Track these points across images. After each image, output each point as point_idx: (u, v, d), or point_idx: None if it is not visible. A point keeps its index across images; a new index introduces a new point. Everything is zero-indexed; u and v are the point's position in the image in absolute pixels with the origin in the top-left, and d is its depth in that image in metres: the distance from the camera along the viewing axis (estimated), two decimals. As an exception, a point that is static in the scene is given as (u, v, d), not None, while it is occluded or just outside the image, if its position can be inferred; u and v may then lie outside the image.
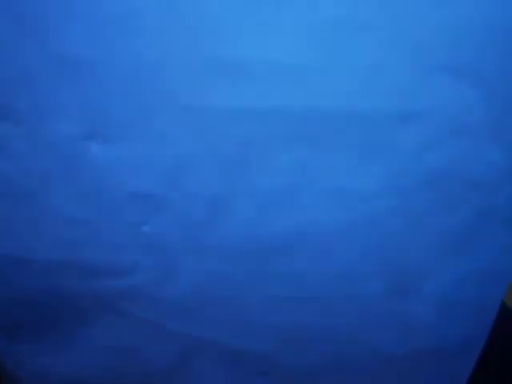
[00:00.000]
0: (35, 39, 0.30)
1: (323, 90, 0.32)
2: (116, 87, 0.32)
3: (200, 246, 0.37)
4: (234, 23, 0.29)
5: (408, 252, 0.39)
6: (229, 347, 0.43)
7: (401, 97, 0.32)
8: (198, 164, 0.34)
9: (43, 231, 0.37)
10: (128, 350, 0.42)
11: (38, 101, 0.32)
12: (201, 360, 0.44)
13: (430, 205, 0.37)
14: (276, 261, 0.38)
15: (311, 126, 0.33)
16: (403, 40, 0.31)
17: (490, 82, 0.32)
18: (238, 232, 0.36)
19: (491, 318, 0.45)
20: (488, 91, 0.33)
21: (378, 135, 0.34)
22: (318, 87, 0.32)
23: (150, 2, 0.29)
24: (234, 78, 0.31)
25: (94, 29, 0.30)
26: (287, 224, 0.36)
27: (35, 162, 0.34)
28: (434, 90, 0.32)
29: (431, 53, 0.31)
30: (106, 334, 0.41)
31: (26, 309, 0.41)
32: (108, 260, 0.37)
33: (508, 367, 0.57)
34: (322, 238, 0.37)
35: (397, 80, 0.32)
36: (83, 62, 0.31)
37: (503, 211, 0.39)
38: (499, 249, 0.41)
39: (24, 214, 0.36)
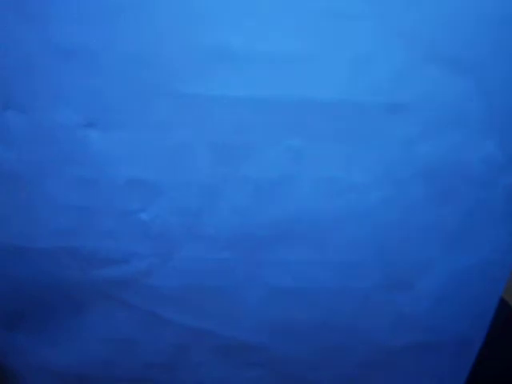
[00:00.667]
0: (36, 28, 0.31)
1: (315, 79, 0.32)
2: (114, 75, 0.32)
3: (197, 234, 0.37)
4: (229, 12, 0.30)
5: (403, 243, 0.39)
6: (226, 338, 0.43)
7: (393, 86, 0.33)
8: (195, 152, 0.34)
9: (41, 219, 0.37)
10: (125, 340, 0.42)
11: (39, 89, 0.33)
12: (198, 351, 0.44)
13: (425, 196, 0.37)
14: (272, 250, 0.39)
15: (304, 115, 0.34)
16: (394, 29, 0.31)
17: (484, 72, 0.33)
18: (233, 220, 0.37)
19: (489, 313, 0.45)
20: (481, 82, 0.33)
21: (371, 125, 0.34)
22: (310, 77, 0.32)
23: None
24: (229, 66, 0.32)
25: (92, 17, 0.31)
26: (282, 213, 0.37)
27: (35, 150, 0.35)
28: (427, 79, 0.33)
29: (423, 42, 0.31)
30: (103, 324, 0.42)
31: (23, 298, 0.41)
32: (105, 248, 0.38)
33: (508, 366, 0.57)
34: (316, 228, 0.38)
35: (388, 69, 0.32)
36: (82, 50, 0.31)
37: (499, 205, 0.39)
38: (496, 243, 0.41)
39: (22, 201, 0.36)
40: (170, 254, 0.38)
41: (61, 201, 0.36)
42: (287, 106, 0.33)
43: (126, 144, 0.34)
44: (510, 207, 0.39)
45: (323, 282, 0.41)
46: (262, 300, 0.41)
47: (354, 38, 0.31)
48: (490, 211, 0.38)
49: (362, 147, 0.35)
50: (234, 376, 0.45)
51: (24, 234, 0.38)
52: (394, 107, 0.33)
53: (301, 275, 0.40)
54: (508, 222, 0.40)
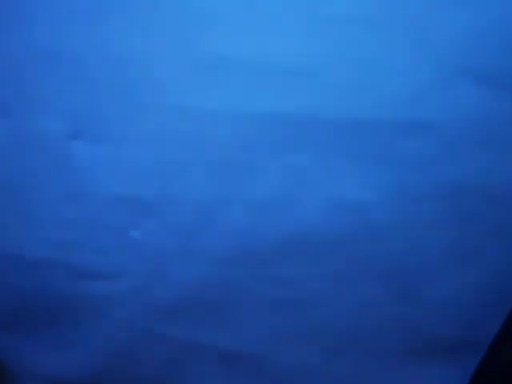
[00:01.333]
0: (22, 32, 0.29)
1: (322, 93, 0.30)
2: (103, 85, 0.30)
3: (188, 252, 0.35)
4: (229, 22, 0.27)
5: (411, 259, 0.37)
6: (218, 350, 0.42)
7: (411, 103, 0.30)
8: (188, 168, 0.32)
9: (31, 229, 0.35)
10: (117, 353, 0.41)
11: (26, 95, 0.31)
12: (190, 363, 0.43)
13: (439, 217, 0.35)
14: (268, 267, 0.37)
15: (311, 132, 0.31)
16: (416, 41, 0.28)
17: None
18: (227, 239, 0.35)
19: (492, 329, 0.44)
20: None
21: (382, 144, 0.31)
22: (317, 90, 0.29)
23: (139, 0, 0.26)
24: (229, 78, 0.29)
25: (83, 25, 0.28)
26: (280, 233, 0.35)
27: (23, 159, 0.33)
28: (451, 97, 0.30)
29: (450, 56, 0.28)
30: (96, 336, 0.40)
31: (18, 306, 0.40)
32: (95, 262, 0.36)
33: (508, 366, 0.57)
34: (319, 246, 0.36)
35: (408, 85, 0.29)
36: (69, 55, 0.29)
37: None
38: (506, 265, 0.39)
39: (12, 210, 0.34)
40: (162, 270, 0.36)
41: (50, 212, 0.35)
42: (291, 121, 0.30)
43: (114, 158, 0.32)
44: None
45: (325, 295, 0.39)
46: (260, 313, 0.40)
47: (367, 49, 0.28)
48: (505, 230, 0.36)
49: (371, 166, 0.32)
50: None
51: (15, 243, 0.36)
52: (411, 125, 0.31)
53: (301, 287, 0.39)
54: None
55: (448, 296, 0.42)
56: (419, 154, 0.32)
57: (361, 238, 0.36)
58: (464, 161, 0.32)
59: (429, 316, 0.43)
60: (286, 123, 0.30)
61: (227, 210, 0.34)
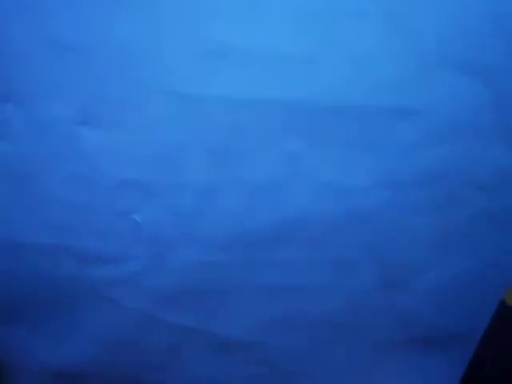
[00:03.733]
0: (35, 22, 0.30)
1: (316, 81, 0.31)
2: (110, 73, 0.31)
3: (190, 236, 0.37)
4: (230, 11, 0.29)
5: (401, 245, 0.38)
6: (217, 337, 0.42)
7: (400, 90, 0.32)
8: (189, 152, 0.34)
9: (34, 214, 0.37)
10: (118, 340, 0.42)
11: (37, 83, 0.32)
12: (191, 350, 0.44)
13: (426, 201, 0.36)
14: (267, 251, 0.38)
15: (305, 117, 0.33)
16: (403, 31, 0.30)
17: (499, 79, 0.32)
18: (229, 223, 0.36)
19: (487, 314, 0.45)
20: (496, 89, 0.32)
21: (374, 129, 0.33)
22: (312, 78, 0.31)
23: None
24: (229, 66, 0.31)
25: (90, 13, 0.30)
26: (277, 215, 0.36)
27: (32, 145, 0.34)
28: (437, 84, 0.31)
29: (436, 46, 0.30)
30: (96, 323, 0.41)
31: (19, 294, 0.41)
32: (98, 247, 0.37)
33: (506, 366, 0.56)
34: (313, 230, 0.37)
35: (396, 73, 0.31)
36: (80, 45, 0.31)
37: (505, 213, 0.38)
38: (497, 250, 0.40)
39: (17, 196, 0.36)
40: (162, 255, 0.37)
41: (54, 197, 0.36)
42: (287, 108, 0.32)
43: (119, 143, 0.33)
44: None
45: (320, 280, 0.40)
46: (258, 299, 0.41)
47: (359, 39, 0.30)
48: (493, 217, 0.37)
49: (362, 151, 0.34)
50: (231, 374, 0.45)
51: (20, 229, 0.37)
52: (400, 112, 0.32)
53: (297, 274, 0.40)
54: (510, 227, 0.39)
55: (437, 283, 0.42)
56: (408, 141, 0.34)
57: (351, 223, 0.37)
58: (450, 147, 0.34)
59: (418, 305, 0.44)
60: (282, 110, 0.32)
61: (224, 194, 0.35)
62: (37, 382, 0.45)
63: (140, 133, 0.33)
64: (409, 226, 0.38)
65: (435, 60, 0.31)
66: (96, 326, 0.41)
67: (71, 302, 0.40)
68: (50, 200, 0.36)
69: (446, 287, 0.42)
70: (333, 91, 0.32)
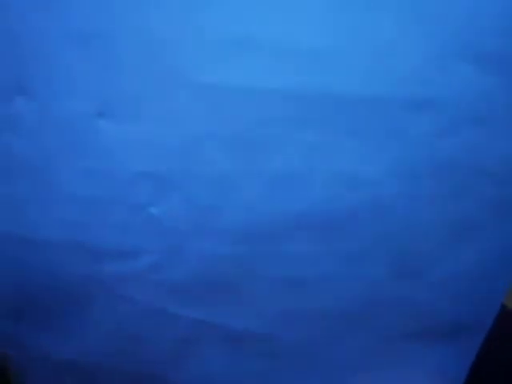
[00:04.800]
0: (52, 13, 0.30)
1: (337, 72, 0.31)
2: (127, 64, 0.31)
3: (207, 229, 0.37)
4: (252, 1, 0.29)
5: (414, 235, 0.39)
6: (231, 330, 0.42)
7: (416, 82, 0.32)
8: (207, 144, 0.33)
9: (50, 209, 0.36)
10: (131, 335, 0.42)
11: (51, 76, 0.32)
12: (205, 343, 0.43)
13: (440, 192, 0.37)
14: (283, 243, 0.38)
15: (323, 108, 0.33)
16: (420, 22, 0.30)
17: (509, 68, 0.32)
18: (246, 215, 0.36)
19: (496, 304, 0.45)
20: (508, 80, 0.32)
21: (391, 121, 0.33)
22: (332, 69, 0.31)
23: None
24: (247, 56, 0.31)
25: (107, 5, 0.29)
26: (293, 207, 0.36)
27: (45, 138, 0.34)
28: (452, 76, 0.32)
29: (455, 37, 0.30)
30: (109, 318, 0.41)
31: (30, 289, 0.40)
32: (113, 241, 0.37)
33: (506, 369, 0.57)
34: (329, 221, 0.37)
35: (412, 64, 0.31)
36: (98, 37, 0.30)
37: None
38: (509, 238, 0.41)
39: (31, 190, 0.35)
40: (179, 248, 0.37)
41: (70, 191, 0.35)
42: (306, 98, 0.32)
43: (137, 135, 0.33)
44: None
45: (333, 270, 0.40)
46: (272, 291, 0.41)
47: (378, 29, 0.30)
48: (505, 209, 0.38)
49: (380, 142, 0.34)
50: (242, 367, 0.45)
51: (33, 224, 0.37)
52: (417, 103, 0.33)
53: (312, 265, 0.40)
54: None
55: (450, 273, 0.43)
56: (421, 131, 0.34)
57: (366, 213, 0.37)
58: (463, 137, 0.34)
59: (431, 296, 0.44)
60: (298, 100, 0.32)
61: (240, 185, 0.35)
62: (48, 377, 0.44)
63: (158, 124, 0.33)
64: (422, 215, 0.38)
65: (453, 51, 0.31)
66: (108, 320, 0.41)
67: (85, 298, 0.40)
68: (64, 195, 0.35)
69: (459, 277, 0.42)
70: (351, 82, 0.32)
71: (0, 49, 0.31)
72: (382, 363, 0.49)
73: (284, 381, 0.48)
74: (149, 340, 0.42)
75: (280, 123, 0.33)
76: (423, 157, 0.35)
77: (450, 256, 0.41)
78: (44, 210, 0.36)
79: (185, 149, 0.33)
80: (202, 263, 0.38)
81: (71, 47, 0.31)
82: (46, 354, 0.44)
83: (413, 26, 0.30)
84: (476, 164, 0.36)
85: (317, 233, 0.38)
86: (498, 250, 0.41)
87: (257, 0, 0.29)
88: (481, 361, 0.50)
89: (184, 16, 0.29)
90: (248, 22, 0.29)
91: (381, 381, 0.51)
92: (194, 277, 0.39)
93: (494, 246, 0.41)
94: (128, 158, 0.34)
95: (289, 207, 0.36)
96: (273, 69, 0.31)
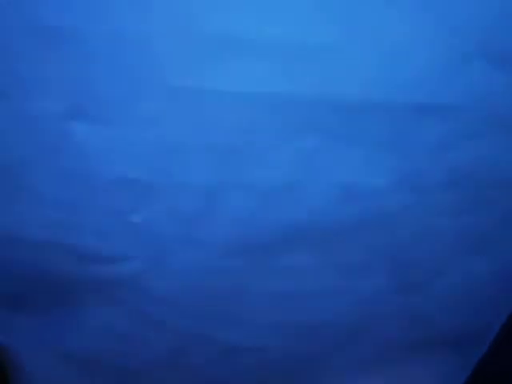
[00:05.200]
0: (20, 8, 0.27)
1: (332, 73, 0.28)
2: (103, 64, 0.29)
3: (190, 239, 0.34)
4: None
5: (418, 248, 0.36)
6: (224, 342, 0.41)
7: (423, 86, 0.29)
8: (192, 151, 0.31)
9: (28, 211, 0.34)
10: (119, 338, 0.41)
11: (22, 74, 0.29)
12: (194, 353, 0.42)
13: (447, 204, 0.34)
14: (275, 257, 0.36)
15: (320, 114, 0.30)
16: (438, 19, 0.27)
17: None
18: (232, 226, 0.34)
19: (500, 319, 0.43)
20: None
21: (395, 128, 0.30)
22: (327, 70, 0.28)
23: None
24: (233, 57, 0.28)
25: (81, 2, 0.26)
26: (286, 219, 0.34)
27: (18, 140, 0.32)
28: (470, 79, 0.28)
29: (470, 37, 0.27)
30: (95, 321, 0.40)
31: (18, 288, 0.39)
32: (95, 246, 0.35)
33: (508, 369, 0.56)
34: (326, 235, 0.35)
35: (419, 68, 0.28)
36: (69, 35, 0.28)
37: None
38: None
39: (11, 192, 0.34)
40: (162, 257, 0.35)
41: (49, 194, 0.33)
42: (300, 103, 0.29)
43: (114, 139, 0.31)
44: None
45: (332, 285, 0.38)
46: (265, 305, 0.39)
47: (386, 28, 0.27)
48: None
49: (383, 151, 0.31)
50: (232, 379, 0.44)
51: (16, 224, 0.35)
52: (423, 109, 0.29)
53: (307, 279, 0.38)
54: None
55: (457, 287, 0.41)
56: (430, 139, 0.31)
57: (368, 226, 0.35)
58: (477, 145, 0.31)
59: (434, 308, 0.43)
60: (293, 104, 0.29)
61: (230, 195, 0.33)
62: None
63: (137, 128, 0.30)
64: (429, 228, 0.35)
65: (469, 52, 0.28)
66: (95, 324, 0.40)
67: (71, 299, 0.38)
68: (43, 197, 0.34)
69: (461, 291, 0.40)
70: (353, 85, 0.29)
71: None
72: (381, 376, 0.47)
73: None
74: (136, 346, 0.41)
75: (271, 129, 0.30)
76: (429, 168, 0.32)
77: (457, 269, 0.39)
78: (26, 210, 0.35)
79: (166, 155, 0.31)
80: (188, 275, 0.36)
81: (44, 46, 0.28)
82: (42, 350, 0.43)
83: (428, 24, 0.27)
84: (489, 173, 0.33)
85: (313, 246, 0.36)
86: (505, 264, 0.39)
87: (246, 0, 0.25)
88: (483, 372, 0.48)
89: (161, 14, 0.26)
90: (234, 20, 0.26)
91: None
92: (181, 288, 0.37)
93: (505, 261, 0.38)
94: (105, 162, 0.31)
95: (282, 219, 0.34)
96: (260, 70, 0.28)
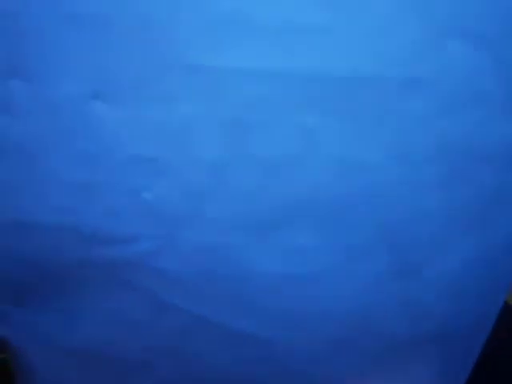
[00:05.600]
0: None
1: (329, 52, 0.31)
2: (122, 46, 0.31)
3: (201, 215, 0.36)
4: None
5: (415, 226, 0.38)
6: (229, 329, 0.41)
7: (409, 60, 0.32)
8: (202, 127, 0.33)
9: (43, 194, 0.36)
10: (127, 322, 0.41)
11: (46, 57, 0.31)
12: (200, 339, 0.42)
13: (440, 177, 0.36)
14: (278, 233, 0.37)
15: (317, 89, 0.32)
16: (411, 1, 0.30)
17: (501, 48, 0.32)
18: (240, 202, 0.35)
19: (499, 303, 0.44)
20: (498, 59, 0.32)
21: (384, 102, 0.33)
22: (325, 49, 0.31)
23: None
24: (241, 37, 0.31)
25: None
26: (290, 194, 0.36)
27: (40, 122, 0.33)
28: (444, 54, 0.31)
29: (442, 15, 0.30)
30: (105, 304, 0.40)
31: (28, 274, 0.40)
32: (107, 227, 0.37)
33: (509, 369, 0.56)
34: (327, 210, 0.37)
35: (404, 43, 0.31)
36: (91, 18, 0.30)
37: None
38: (506, 229, 0.40)
39: (25, 174, 0.35)
40: (172, 235, 0.37)
41: (64, 175, 0.35)
42: (300, 79, 0.32)
43: (129, 118, 0.33)
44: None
45: (331, 266, 0.39)
46: (267, 288, 0.40)
47: (370, 9, 0.30)
48: (508, 195, 0.37)
49: (375, 124, 0.34)
50: (236, 369, 0.44)
51: (28, 209, 0.36)
52: (410, 82, 0.32)
53: (308, 260, 0.39)
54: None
55: (451, 268, 0.42)
56: (418, 111, 0.33)
57: (366, 201, 0.37)
58: (460, 117, 0.34)
59: (432, 297, 0.43)
60: (295, 81, 0.32)
61: (238, 171, 0.35)
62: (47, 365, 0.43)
63: (151, 107, 0.33)
64: (422, 204, 0.37)
65: (446, 30, 0.31)
66: (105, 306, 0.40)
67: (82, 282, 0.39)
68: (57, 178, 0.35)
69: (461, 272, 0.41)
70: (347, 62, 0.32)
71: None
72: (383, 367, 0.47)
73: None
74: (144, 328, 0.41)
75: (274, 105, 0.33)
76: (421, 140, 0.34)
77: (451, 248, 0.41)
78: (37, 193, 0.36)
79: (177, 132, 0.33)
80: (197, 253, 0.37)
81: (66, 28, 0.31)
82: (42, 341, 0.42)
83: (406, 4, 0.30)
84: (475, 147, 0.35)
85: (314, 223, 0.37)
86: (503, 242, 0.40)
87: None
88: (483, 360, 0.49)
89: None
90: (243, 2, 0.29)
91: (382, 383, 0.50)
92: (190, 267, 0.38)
93: (499, 237, 0.40)
94: (119, 141, 0.33)
95: (285, 194, 0.36)
96: (266, 49, 0.31)
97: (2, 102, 0.33)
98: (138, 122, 0.33)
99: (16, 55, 0.32)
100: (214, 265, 0.38)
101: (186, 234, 0.37)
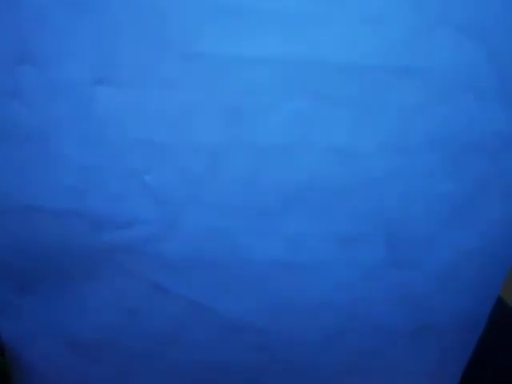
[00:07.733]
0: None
1: (325, 39, 0.32)
2: (126, 32, 0.32)
3: (201, 200, 0.37)
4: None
5: (409, 215, 0.39)
6: (226, 316, 0.42)
7: (403, 49, 0.32)
8: (202, 113, 0.34)
9: (49, 178, 0.37)
10: (128, 309, 0.42)
11: (52, 43, 0.33)
12: (199, 327, 0.43)
13: (433, 166, 0.37)
14: (274, 219, 0.38)
15: (312, 77, 0.33)
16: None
17: (494, 38, 0.32)
18: (236, 186, 0.36)
19: (494, 294, 0.44)
20: (491, 49, 0.33)
21: (381, 88, 0.34)
22: (321, 37, 0.32)
23: None
24: (239, 25, 0.32)
25: None
26: (286, 180, 0.36)
27: (47, 106, 0.35)
28: (437, 43, 0.32)
29: (435, 5, 0.31)
30: (108, 291, 0.41)
31: (33, 261, 0.41)
32: (110, 211, 0.38)
33: (505, 365, 0.56)
34: (321, 196, 0.37)
35: (399, 32, 0.32)
36: (95, 5, 0.31)
37: (506, 179, 0.38)
38: (505, 220, 0.40)
39: (32, 159, 0.36)
40: (172, 219, 0.38)
41: (68, 160, 0.36)
42: (296, 66, 0.33)
43: (132, 103, 0.34)
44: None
45: (326, 254, 0.40)
46: (264, 274, 0.40)
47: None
48: (500, 185, 0.38)
49: (368, 112, 0.34)
50: (233, 359, 0.44)
51: (33, 194, 0.37)
52: (404, 70, 0.33)
53: (303, 247, 0.40)
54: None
55: (447, 260, 0.42)
56: (412, 100, 0.34)
57: (360, 190, 0.38)
58: (454, 106, 0.35)
59: (428, 287, 0.44)
60: (287, 68, 0.33)
61: (236, 156, 0.36)
62: (49, 352, 0.44)
63: (153, 92, 0.34)
64: (415, 194, 0.38)
65: (439, 20, 0.32)
66: (107, 293, 0.41)
67: (86, 269, 0.40)
68: (62, 162, 0.36)
69: (458, 264, 0.42)
70: (340, 49, 0.32)
71: (3, 17, 0.32)
72: (376, 359, 0.48)
73: (279, 375, 0.48)
74: (145, 316, 0.42)
75: (272, 92, 0.34)
76: (415, 128, 0.35)
77: (447, 239, 0.41)
78: (42, 177, 0.37)
79: (178, 117, 0.34)
80: (196, 237, 0.38)
81: (70, 16, 0.32)
82: (49, 327, 0.43)
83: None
84: (467, 137, 0.36)
85: (310, 209, 0.38)
86: (496, 232, 0.41)
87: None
88: (478, 355, 0.49)
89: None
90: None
91: (378, 377, 0.50)
92: (190, 252, 0.39)
93: (493, 227, 0.40)
94: (122, 125, 0.34)
95: (282, 180, 0.37)
96: (264, 36, 0.32)
97: (11, 87, 0.34)
98: (140, 106, 0.34)
99: (23, 42, 0.33)
100: (210, 250, 0.39)
101: (184, 218, 0.37)
